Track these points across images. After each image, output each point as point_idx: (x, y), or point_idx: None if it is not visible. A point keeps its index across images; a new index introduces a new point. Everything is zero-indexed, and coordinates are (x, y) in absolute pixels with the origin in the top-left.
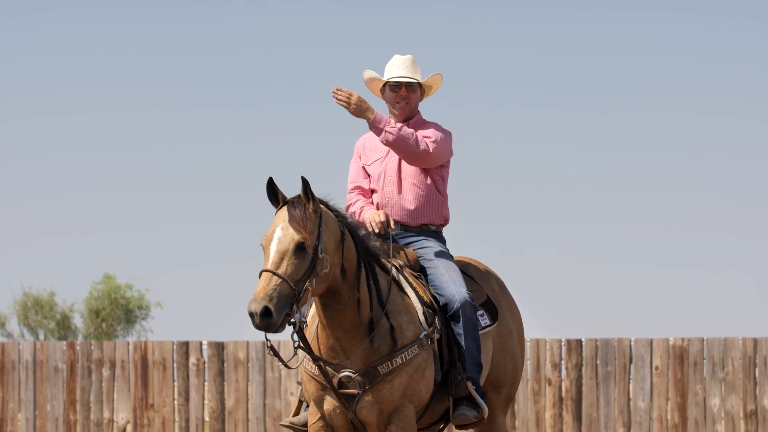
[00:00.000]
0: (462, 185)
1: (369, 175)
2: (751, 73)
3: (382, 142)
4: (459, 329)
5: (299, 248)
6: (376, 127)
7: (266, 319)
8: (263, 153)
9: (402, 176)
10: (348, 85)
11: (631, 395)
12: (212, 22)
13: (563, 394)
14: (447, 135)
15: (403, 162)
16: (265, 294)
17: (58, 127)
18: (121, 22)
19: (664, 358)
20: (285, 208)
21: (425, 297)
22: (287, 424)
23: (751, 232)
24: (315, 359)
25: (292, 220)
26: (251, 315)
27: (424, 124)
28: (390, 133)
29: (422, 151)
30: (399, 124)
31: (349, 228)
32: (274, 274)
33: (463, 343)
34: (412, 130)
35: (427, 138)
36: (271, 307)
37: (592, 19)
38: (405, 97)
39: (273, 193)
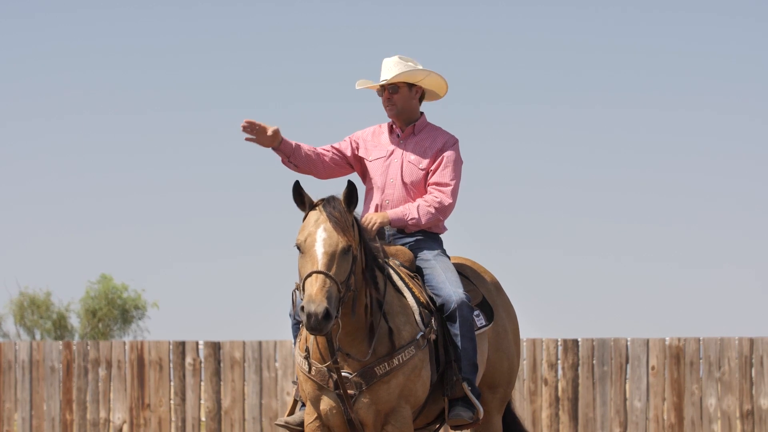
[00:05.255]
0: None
1: (354, 156)
2: (756, 73)
3: (413, 230)
4: (455, 330)
5: (345, 251)
6: (402, 227)
7: (326, 321)
8: (259, 152)
9: (405, 181)
10: (345, 88)
11: (627, 395)
12: (210, 22)
13: (560, 393)
14: (459, 162)
15: (405, 166)
16: (322, 295)
17: (55, 128)
18: (118, 22)
19: (661, 358)
20: (319, 210)
21: (421, 297)
22: (282, 423)
23: (748, 232)
24: (333, 359)
25: (335, 222)
26: (310, 315)
27: (429, 129)
28: (414, 221)
29: (448, 208)
30: (414, 208)
31: (360, 229)
32: (327, 275)
33: (459, 343)
34: (427, 203)
35: (444, 186)
36: (330, 308)
37: (598, 16)
38: (388, 98)
39: (299, 195)
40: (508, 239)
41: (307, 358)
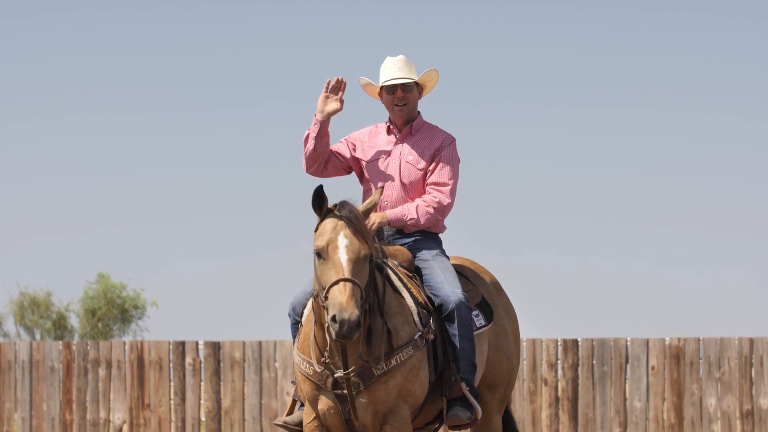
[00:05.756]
0: (458, 183)
1: (353, 158)
2: (752, 72)
3: (412, 230)
4: (454, 330)
5: (366, 257)
6: (400, 227)
7: (358, 329)
8: (259, 153)
9: (403, 181)
10: (347, 85)
11: (627, 395)
12: (210, 22)
13: (559, 393)
14: (456, 161)
15: (403, 166)
16: (354, 303)
17: (55, 128)
18: (118, 22)
19: (661, 358)
20: (337, 215)
21: (419, 297)
22: (281, 423)
23: (747, 232)
24: (346, 371)
25: (354, 229)
26: (343, 323)
27: (426, 128)
28: (413, 221)
29: (447, 207)
30: (413, 208)
31: None
32: (354, 283)
33: (457, 343)
34: (426, 203)
35: (442, 186)
36: (361, 316)
37: (594, 17)
38: (401, 98)
39: (320, 199)
40: (508, 239)
41: (327, 365)
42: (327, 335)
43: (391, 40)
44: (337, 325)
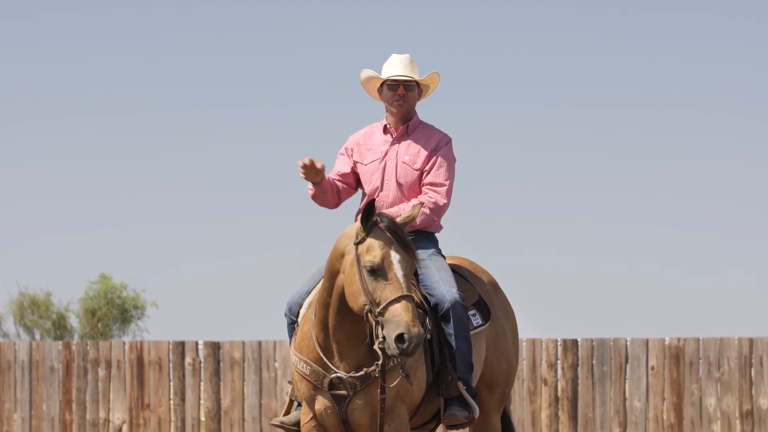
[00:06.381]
0: (457, 183)
1: (354, 173)
2: (752, 73)
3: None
4: (450, 329)
5: (414, 271)
6: None
7: (421, 345)
8: (259, 153)
9: (399, 182)
10: (347, 85)
11: (627, 395)
12: (211, 21)
13: (559, 393)
14: (452, 162)
15: (399, 167)
16: (417, 320)
17: (55, 128)
18: (118, 22)
19: (660, 358)
20: (382, 229)
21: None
22: (278, 423)
23: (747, 233)
24: (382, 392)
25: (404, 244)
26: (411, 340)
27: (422, 128)
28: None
29: (443, 208)
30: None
31: None
32: (412, 299)
33: (453, 343)
34: (422, 203)
35: (438, 186)
36: (423, 332)
37: (594, 17)
38: (402, 95)
39: (369, 214)
40: (507, 239)
41: (327, 366)
42: (377, 350)
43: (390, 40)
44: (405, 344)
